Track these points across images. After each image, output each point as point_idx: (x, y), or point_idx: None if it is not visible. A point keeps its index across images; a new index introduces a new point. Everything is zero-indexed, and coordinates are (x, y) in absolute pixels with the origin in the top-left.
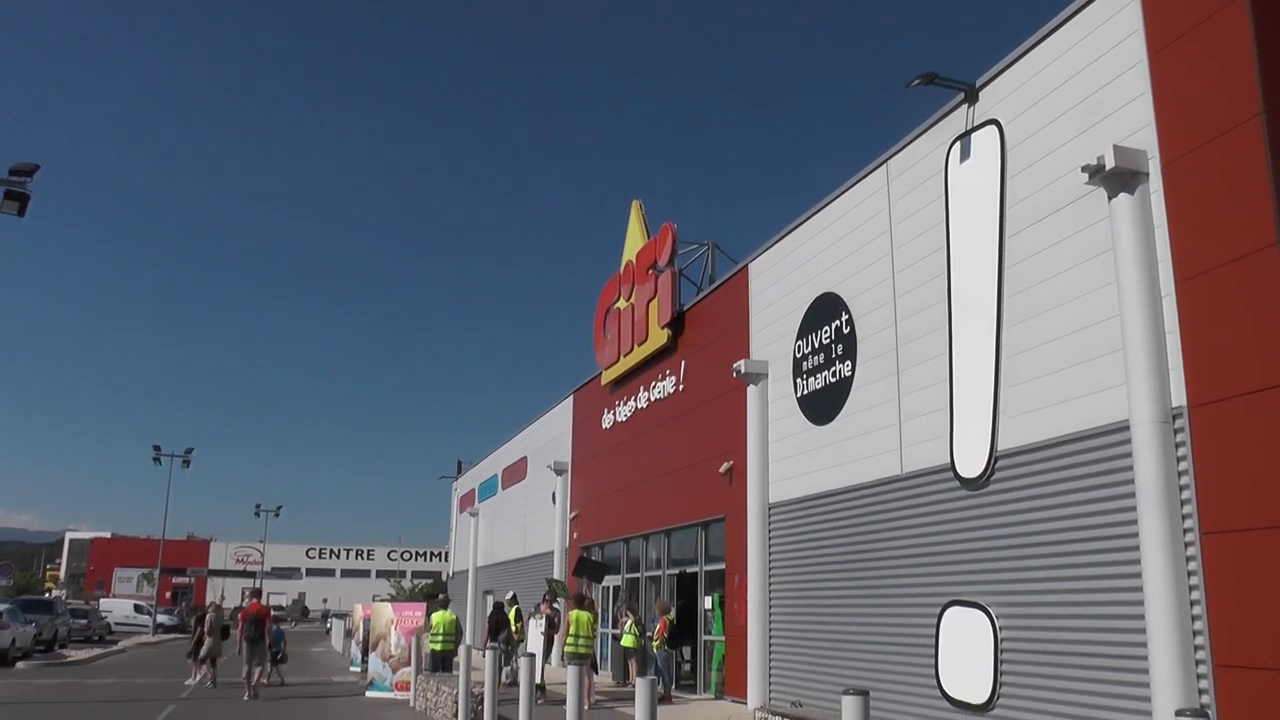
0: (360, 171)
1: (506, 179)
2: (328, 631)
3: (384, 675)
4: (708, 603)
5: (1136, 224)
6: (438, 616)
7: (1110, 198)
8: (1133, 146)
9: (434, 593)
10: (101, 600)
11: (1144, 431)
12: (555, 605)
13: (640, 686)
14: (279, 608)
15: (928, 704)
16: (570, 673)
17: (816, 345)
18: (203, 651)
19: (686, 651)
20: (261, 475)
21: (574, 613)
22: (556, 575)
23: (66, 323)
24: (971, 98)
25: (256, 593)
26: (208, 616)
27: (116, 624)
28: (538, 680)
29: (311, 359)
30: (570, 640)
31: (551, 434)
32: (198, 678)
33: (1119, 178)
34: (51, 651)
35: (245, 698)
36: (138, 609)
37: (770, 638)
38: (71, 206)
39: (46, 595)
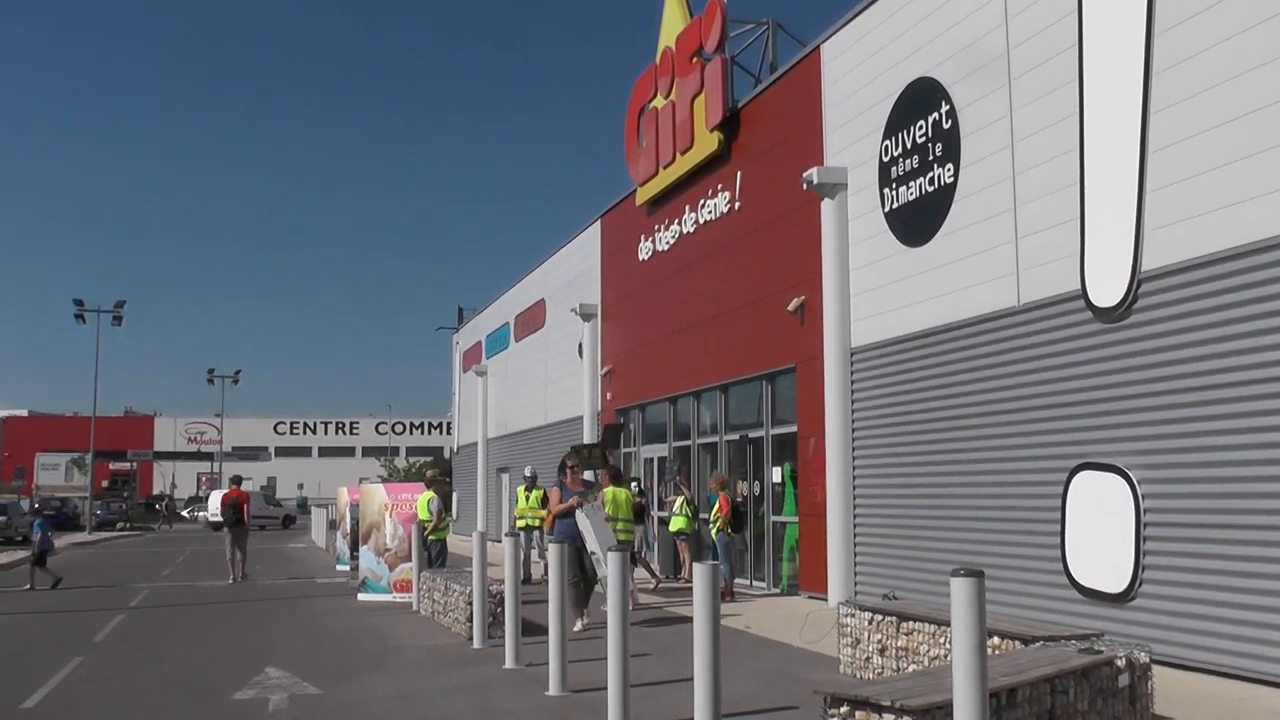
0: None
1: None
2: (284, 521)
3: (379, 574)
4: (776, 475)
5: None
6: (420, 500)
7: None
8: None
9: (424, 471)
10: (212, 494)
11: None
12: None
13: (699, 574)
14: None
15: (1051, 593)
16: (611, 561)
17: (909, 145)
18: None
19: (748, 537)
20: (215, 336)
21: (609, 490)
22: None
23: None
24: None
25: (237, 480)
26: None
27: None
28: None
29: (271, 176)
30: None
31: (575, 269)
32: None
33: None
34: None
35: (229, 581)
36: (269, 500)
37: (855, 516)
38: None
39: None
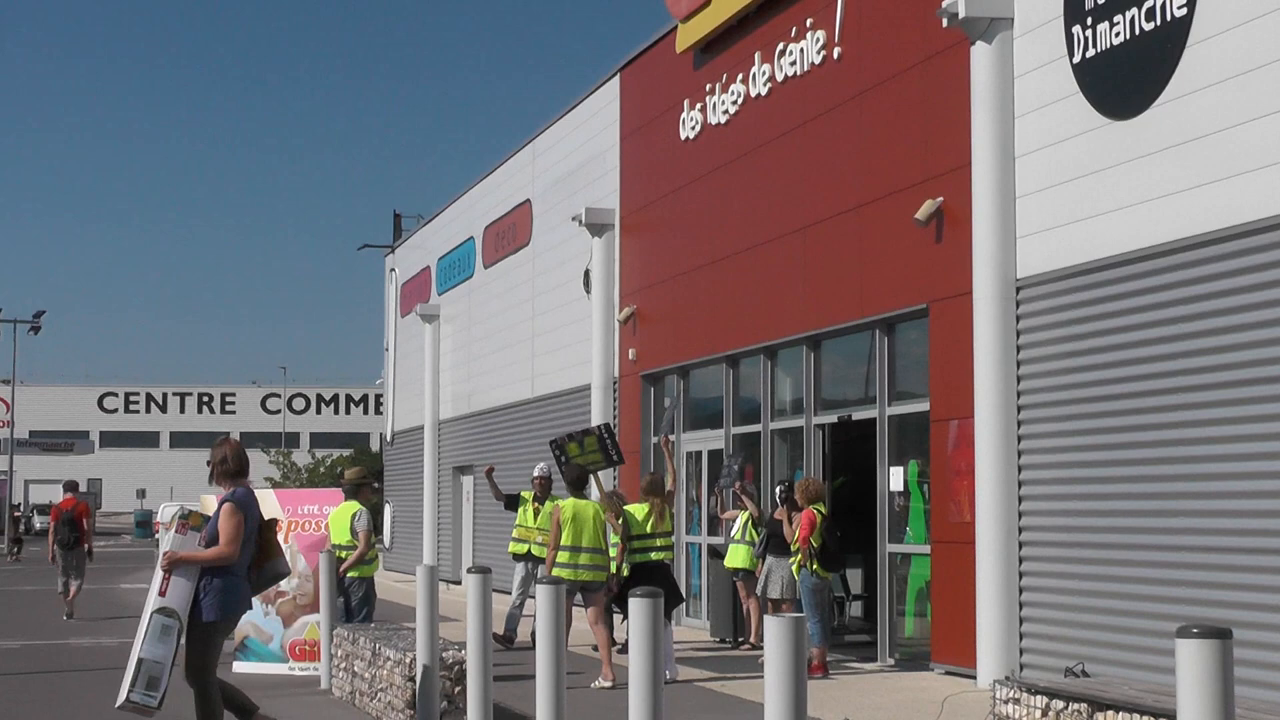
0: None
1: None
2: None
3: (267, 631)
4: (896, 480)
5: None
6: (333, 516)
7: None
8: None
9: (339, 470)
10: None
11: None
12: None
13: (773, 634)
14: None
15: None
16: (634, 610)
17: None
18: None
19: (856, 579)
20: (3, 262)
21: (569, 503)
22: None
23: None
24: None
25: (72, 485)
26: None
27: None
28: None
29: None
30: (565, 558)
31: (579, 154)
32: None
33: None
34: None
35: (64, 617)
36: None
37: (1021, 545)
38: None
39: None
